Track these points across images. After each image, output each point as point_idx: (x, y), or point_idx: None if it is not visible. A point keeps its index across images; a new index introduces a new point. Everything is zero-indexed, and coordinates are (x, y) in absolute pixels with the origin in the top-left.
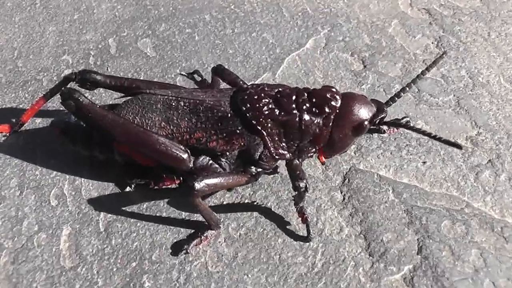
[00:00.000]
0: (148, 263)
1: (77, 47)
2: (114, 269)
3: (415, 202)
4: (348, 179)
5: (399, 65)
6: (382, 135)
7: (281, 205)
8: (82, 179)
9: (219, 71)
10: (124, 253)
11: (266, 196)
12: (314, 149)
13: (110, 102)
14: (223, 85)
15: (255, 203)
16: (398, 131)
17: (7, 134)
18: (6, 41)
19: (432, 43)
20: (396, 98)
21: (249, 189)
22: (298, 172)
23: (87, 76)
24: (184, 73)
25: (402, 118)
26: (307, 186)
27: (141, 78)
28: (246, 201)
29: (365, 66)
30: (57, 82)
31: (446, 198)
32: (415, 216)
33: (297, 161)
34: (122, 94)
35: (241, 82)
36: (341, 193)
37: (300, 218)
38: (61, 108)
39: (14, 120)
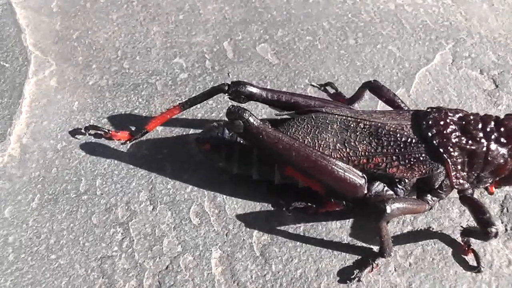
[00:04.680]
0: None
1: (189, 50)
2: None
3: None
4: (507, 208)
5: None
6: None
7: (445, 232)
8: (224, 196)
9: (375, 88)
10: (289, 281)
11: (427, 222)
12: (492, 180)
13: (265, 117)
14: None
15: (418, 229)
16: None
17: (126, 142)
18: (106, 40)
19: None
20: None
21: (409, 214)
22: (487, 214)
23: (242, 88)
24: (315, 84)
25: None
26: (498, 232)
27: (297, 93)
28: (409, 227)
29: (497, 86)
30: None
31: None
32: None
33: (475, 196)
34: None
35: (399, 101)
36: (502, 223)
37: (466, 249)
38: (184, 116)
39: (132, 128)
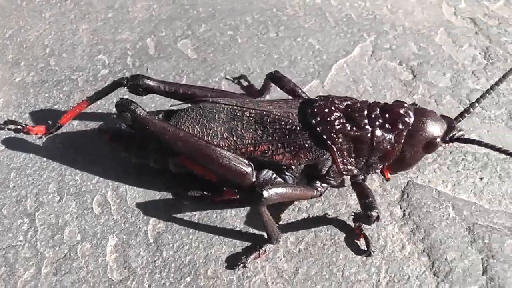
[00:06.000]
0: (203, 278)
1: (113, 47)
2: (167, 284)
3: (475, 219)
4: (407, 194)
5: (448, 75)
6: None
7: (340, 219)
8: (127, 186)
9: (276, 78)
10: (177, 267)
11: (323, 209)
12: (382, 165)
13: (165, 108)
14: (274, 92)
15: (313, 216)
16: (453, 145)
17: (42, 136)
18: (37, 38)
19: (480, 53)
20: (466, 114)
21: (306, 201)
22: (370, 199)
23: (140, 81)
24: (229, 77)
25: (458, 131)
26: (379, 215)
27: (198, 85)
28: (304, 214)
29: (414, 76)
30: (105, 84)
31: (507, 216)
32: (478, 235)
33: (365, 182)
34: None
35: (299, 91)
36: (401, 208)
37: (358, 235)
38: (100, 111)
39: (49, 122)
